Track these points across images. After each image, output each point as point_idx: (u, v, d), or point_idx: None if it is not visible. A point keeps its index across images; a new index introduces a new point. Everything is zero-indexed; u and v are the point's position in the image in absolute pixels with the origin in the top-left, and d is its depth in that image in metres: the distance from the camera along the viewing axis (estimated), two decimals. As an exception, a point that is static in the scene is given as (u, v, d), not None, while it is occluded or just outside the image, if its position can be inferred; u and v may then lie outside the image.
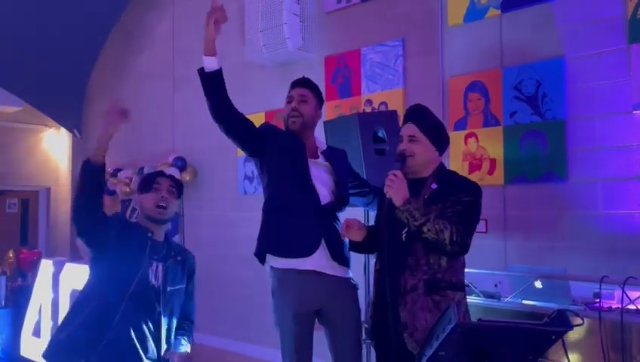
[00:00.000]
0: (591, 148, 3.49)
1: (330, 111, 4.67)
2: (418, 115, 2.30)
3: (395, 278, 2.20)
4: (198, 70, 2.45)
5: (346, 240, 2.47)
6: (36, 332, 4.76)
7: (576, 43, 3.58)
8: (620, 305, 2.71)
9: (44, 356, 2.21)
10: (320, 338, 2.49)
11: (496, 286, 3.32)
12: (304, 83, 2.67)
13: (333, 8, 4.96)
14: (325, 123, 3.43)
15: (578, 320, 1.70)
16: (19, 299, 5.37)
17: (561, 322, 1.66)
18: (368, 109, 4.60)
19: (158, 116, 6.77)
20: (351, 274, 2.56)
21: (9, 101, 7.44)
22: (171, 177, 2.46)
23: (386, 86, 4.55)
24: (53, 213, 8.32)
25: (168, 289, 2.27)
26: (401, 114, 4.28)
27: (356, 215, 2.80)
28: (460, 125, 4.07)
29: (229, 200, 5.82)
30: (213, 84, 2.42)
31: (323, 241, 2.43)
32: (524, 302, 3.11)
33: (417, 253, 2.18)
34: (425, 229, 2.10)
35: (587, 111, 3.52)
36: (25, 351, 4.91)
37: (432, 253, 2.16)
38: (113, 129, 2.20)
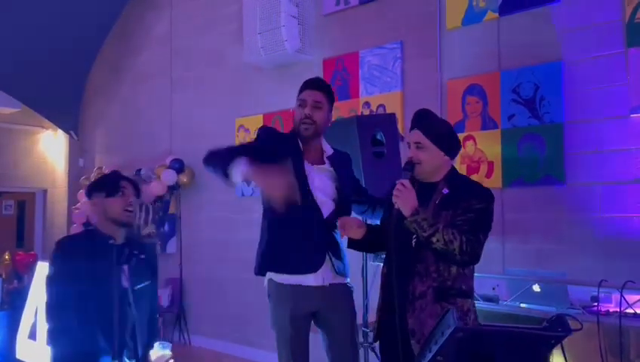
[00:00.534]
0: (589, 152, 3.49)
1: (328, 113, 4.66)
2: (423, 120, 2.25)
3: (404, 284, 2.17)
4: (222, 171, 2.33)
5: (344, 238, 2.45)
6: (32, 335, 4.73)
7: (574, 46, 3.58)
8: (617, 309, 2.71)
9: None
10: (314, 342, 2.48)
11: (494, 289, 3.32)
12: (318, 85, 2.54)
13: (331, 11, 4.96)
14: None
15: (577, 325, 1.69)
16: (15, 302, 5.35)
17: (560, 326, 1.65)
18: (366, 112, 4.59)
19: (156, 117, 6.76)
20: (348, 279, 2.55)
21: (6, 102, 7.42)
22: (131, 180, 2.46)
23: (384, 88, 4.55)
24: (49, 215, 8.30)
25: (136, 288, 2.29)
26: (399, 117, 4.32)
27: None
28: (458, 128, 4.07)
29: (226, 202, 5.80)
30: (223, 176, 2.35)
31: (327, 257, 2.42)
32: (522, 305, 3.10)
33: (427, 260, 2.16)
34: (434, 240, 2.07)
35: (585, 115, 3.52)
36: (21, 354, 4.88)
37: (442, 260, 2.15)
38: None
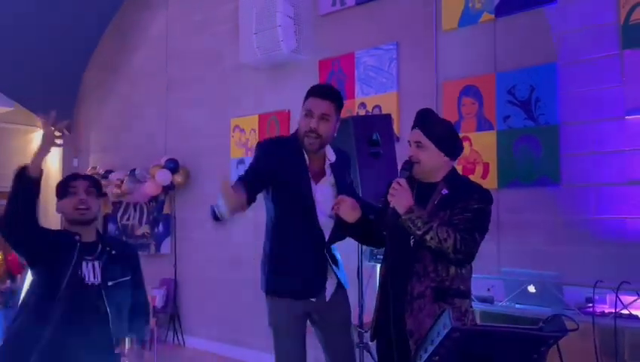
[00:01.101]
0: (584, 153, 3.50)
1: (323, 114, 4.65)
2: (424, 120, 2.24)
3: (402, 285, 2.17)
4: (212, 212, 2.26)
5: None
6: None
7: (570, 48, 3.59)
8: (612, 310, 2.72)
9: None
10: (310, 343, 2.48)
11: (489, 290, 3.32)
12: (326, 94, 2.38)
13: (327, 11, 4.95)
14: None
15: (573, 325, 1.69)
16: (8, 302, 5.32)
17: (556, 326, 1.65)
18: (362, 113, 4.59)
19: (151, 117, 6.74)
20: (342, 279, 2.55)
21: (-1, 101, 7.38)
22: (88, 177, 2.48)
23: (379, 89, 4.55)
24: (42, 214, 8.20)
25: (109, 284, 2.31)
26: (394, 117, 4.31)
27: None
28: (454, 129, 4.07)
29: (221, 202, 5.78)
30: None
31: (330, 278, 2.41)
32: (518, 306, 3.11)
33: (425, 260, 2.15)
34: (428, 238, 2.07)
35: (580, 116, 3.53)
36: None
37: (439, 260, 2.14)
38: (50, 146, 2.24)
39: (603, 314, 2.80)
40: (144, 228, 6.70)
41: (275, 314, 2.40)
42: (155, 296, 5.84)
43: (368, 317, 2.53)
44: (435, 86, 4.22)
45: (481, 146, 3.94)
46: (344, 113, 4.55)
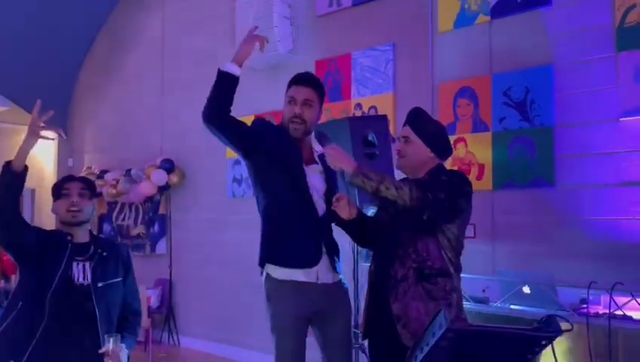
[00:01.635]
0: (578, 155, 3.52)
1: (319, 114, 4.66)
2: (414, 117, 2.31)
3: (386, 271, 2.19)
4: (219, 70, 2.41)
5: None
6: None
7: (565, 50, 3.61)
8: (606, 311, 2.73)
9: None
10: (309, 344, 2.48)
11: (484, 291, 3.33)
12: (308, 81, 2.46)
13: (324, 12, 4.96)
14: (315, 126, 3.42)
15: (567, 326, 1.70)
16: (2, 303, 5.30)
17: (550, 327, 1.66)
18: (358, 113, 4.60)
19: (147, 117, 6.73)
20: (343, 278, 2.55)
21: (-6, 101, 7.35)
22: (82, 180, 2.49)
23: (376, 90, 4.56)
24: (37, 214, 8.20)
25: (99, 285, 2.32)
26: (390, 118, 4.32)
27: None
28: (449, 130, 4.06)
29: (216, 203, 5.78)
30: (228, 88, 2.40)
31: (324, 252, 2.41)
32: (512, 306, 3.12)
33: (405, 242, 2.18)
34: (382, 188, 2.06)
35: (575, 118, 3.54)
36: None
37: (420, 240, 2.15)
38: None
39: (597, 315, 2.82)
40: (139, 229, 6.69)
41: (279, 320, 2.37)
42: (151, 297, 5.83)
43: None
44: (431, 87, 4.24)
45: (477, 148, 3.96)
46: (339, 114, 4.62)
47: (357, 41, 4.71)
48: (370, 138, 3.16)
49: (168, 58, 6.50)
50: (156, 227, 6.47)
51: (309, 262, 2.37)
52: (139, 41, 6.97)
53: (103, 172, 6.86)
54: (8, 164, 2.21)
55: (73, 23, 7.06)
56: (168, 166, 6.10)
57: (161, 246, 6.39)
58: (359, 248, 3.33)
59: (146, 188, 6.20)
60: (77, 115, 7.85)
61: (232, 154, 5.68)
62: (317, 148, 2.52)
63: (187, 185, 6.15)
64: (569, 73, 3.58)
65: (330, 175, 2.51)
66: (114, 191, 6.58)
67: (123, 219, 6.88)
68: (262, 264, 2.45)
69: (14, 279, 5.54)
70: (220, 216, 5.76)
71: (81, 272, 2.30)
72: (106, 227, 6.99)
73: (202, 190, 5.95)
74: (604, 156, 3.42)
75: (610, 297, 2.70)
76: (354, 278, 3.44)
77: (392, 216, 2.28)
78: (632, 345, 2.66)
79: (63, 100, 7.80)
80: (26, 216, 8.34)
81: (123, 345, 2.18)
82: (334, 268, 2.45)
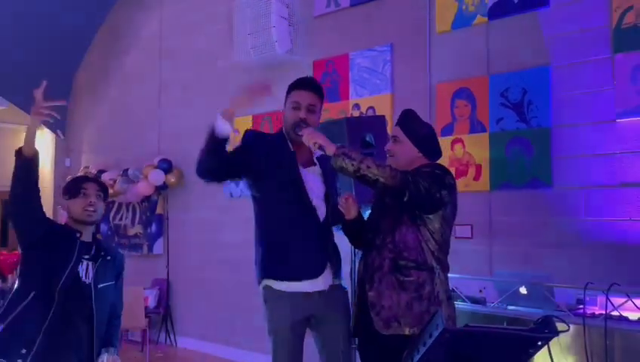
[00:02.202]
0: (575, 156, 3.53)
1: (317, 115, 4.66)
2: (404, 118, 2.37)
3: (366, 261, 2.26)
4: (210, 130, 2.38)
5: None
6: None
7: (562, 51, 3.62)
8: (602, 311, 2.74)
9: None
10: (307, 346, 2.48)
11: (481, 291, 3.33)
12: (312, 86, 2.45)
13: (322, 12, 4.96)
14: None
15: (563, 326, 1.71)
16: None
17: (547, 328, 1.66)
18: (356, 114, 4.60)
19: (144, 117, 6.72)
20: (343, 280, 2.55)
21: (-8, 100, 7.34)
22: (97, 181, 2.57)
23: (373, 91, 4.56)
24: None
25: (100, 286, 2.39)
26: (388, 119, 4.32)
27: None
28: (447, 131, 4.09)
29: (214, 203, 5.78)
30: (219, 147, 2.39)
31: (327, 258, 2.40)
32: (509, 307, 3.12)
33: (384, 231, 2.21)
34: (364, 166, 2.07)
35: (572, 119, 3.56)
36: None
37: (398, 230, 2.17)
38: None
39: (593, 316, 2.82)
40: (137, 229, 6.68)
41: (276, 323, 2.36)
42: (148, 297, 5.83)
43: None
44: (429, 88, 4.24)
45: (474, 148, 3.96)
46: (337, 114, 4.61)
47: (355, 41, 4.72)
48: (367, 139, 3.17)
49: (166, 58, 6.49)
50: (153, 227, 6.46)
51: (314, 272, 2.35)
52: (137, 42, 6.96)
53: (101, 172, 6.85)
54: (19, 152, 2.29)
55: (71, 23, 7.04)
56: (166, 166, 6.10)
57: (159, 246, 6.38)
58: (356, 250, 3.34)
59: (144, 188, 6.19)
60: (74, 115, 7.84)
61: (229, 154, 5.68)
62: (316, 152, 2.48)
63: (185, 185, 6.15)
64: (566, 74, 3.59)
65: (328, 176, 2.50)
66: (111, 191, 6.57)
67: (120, 219, 6.87)
68: (260, 281, 2.43)
69: (10, 279, 5.53)
70: (218, 216, 5.75)
71: (85, 271, 2.37)
72: (103, 227, 6.97)
73: (200, 190, 5.93)
74: (601, 157, 3.43)
75: (607, 298, 2.70)
76: (351, 279, 3.44)
77: (375, 203, 2.33)
78: (628, 345, 2.67)
79: (60, 100, 7.79)
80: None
81: (117, 357, 2.24)
82: (338, 274, 2.45)
